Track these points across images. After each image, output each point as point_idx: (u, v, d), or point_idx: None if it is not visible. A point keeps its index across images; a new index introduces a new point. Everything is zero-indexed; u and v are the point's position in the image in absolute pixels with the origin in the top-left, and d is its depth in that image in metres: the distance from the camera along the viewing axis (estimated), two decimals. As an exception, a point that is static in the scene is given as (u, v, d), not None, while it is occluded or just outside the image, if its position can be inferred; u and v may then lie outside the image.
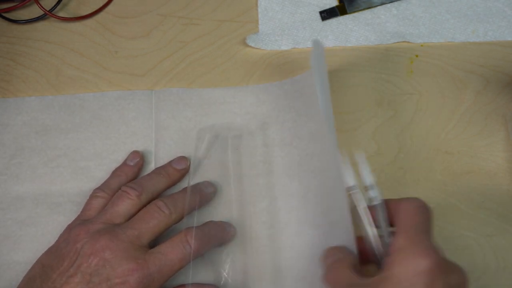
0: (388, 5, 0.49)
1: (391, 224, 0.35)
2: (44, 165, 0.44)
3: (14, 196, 0.43)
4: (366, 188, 0.36)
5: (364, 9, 0.49)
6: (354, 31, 0.48)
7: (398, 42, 0.47)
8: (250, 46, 0.48)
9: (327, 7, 0.49)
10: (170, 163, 0.43)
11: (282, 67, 0.47)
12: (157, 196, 0.41)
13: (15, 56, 0.49)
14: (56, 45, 0.49)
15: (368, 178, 0.36)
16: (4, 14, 0.50)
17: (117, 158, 0.44)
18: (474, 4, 0.48)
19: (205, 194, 0.41)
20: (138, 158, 0.43)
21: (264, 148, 0.44)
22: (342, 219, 0.36)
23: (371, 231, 0.35)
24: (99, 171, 0.43)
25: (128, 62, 0.48)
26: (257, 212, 0.42)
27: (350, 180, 0.36)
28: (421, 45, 0.47)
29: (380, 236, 0.35)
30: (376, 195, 0.36)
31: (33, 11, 0.50)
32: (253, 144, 0.44)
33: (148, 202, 0.40)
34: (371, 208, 0.35)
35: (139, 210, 0.39)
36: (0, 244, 0.41)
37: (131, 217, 0.39)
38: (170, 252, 0.36)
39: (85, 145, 0.44)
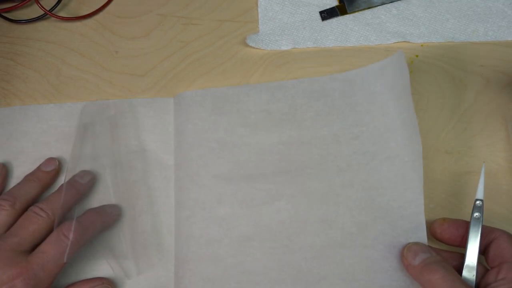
0: (388, 5, 0.49)
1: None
2: (65, 174, 0.44)
3: None
4: (477, 205, 0.37)
5: (364, 9, 0.49)
6: (354, 31, 0.48)
7: (398, 42, 0.47)
8: (250, 46, 0.48)
9: (327, 7, 0.49)
10: (39, 167, 0.43)
11: (282, 67, 0.47)
12: (33, 202, 0.41)
13: (15, 56, 0.49)
14: (56, 45, 0.49)
15: (480, 194, 0.37)
16: (4, 14, 0.50)
17: (136, 166, 0.44)
18: (474, 4, 0.48)
19: (81, 185, 0.42)
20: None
21: (280, 146, 0.43)
22: (382, 219, 0.40)
23: (475, 255, 0.36)
24: None
25: (128, 62, 0.48)
26: (274, 210, 0.42)
27: (480, 193, 0.37)
28: (421, 45, 0.47)
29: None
30: (480, 217, 0.37)
31: (33, 11, 0.50)
32: (268, 142, 0.44)
33: (24, 210, 0.40)
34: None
35: (17, 219, 0.39)
36: None
37: (9, 227, 0.39)
38: (50, 249, 0.37)
39: (105, 154, 0.44)
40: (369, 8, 0.49)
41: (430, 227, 0.39)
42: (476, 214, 0.37)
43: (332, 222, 0.41)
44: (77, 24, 0.50)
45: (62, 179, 0.43)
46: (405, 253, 0.38)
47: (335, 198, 0.41)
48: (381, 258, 0.39)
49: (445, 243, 0.39)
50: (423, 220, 0.39)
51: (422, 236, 0.39)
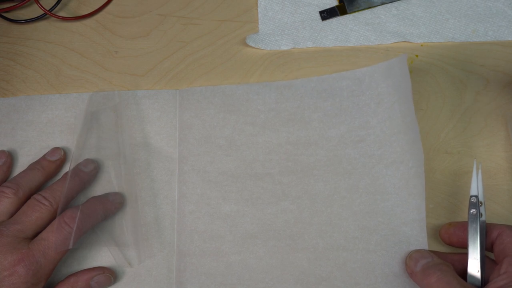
0: (388, 5, 0.49)
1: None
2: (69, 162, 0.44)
3: None
4: (472, 201, 0.37)
5: (364, 9, 0.49)
6: (354, 31, 0.48)
7: (398, 42, 0.47)
8: (250, 46, 0.48)
9: (327, 7, 0.49)
10: (44, 156, 0.43)
11: (282, 67, 0.47)
12: (36, 190, 0.41)
13: (15, 56, 0.49)
14: (56, 45, 0.49)
15: (480, 192, 0.37)
16: (4, 14, 0.50)
17: (140, 158, 0.44)
18: (474, 4, 0.48)
19: (85, 174, 0.42)
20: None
21: (288, 146, 0.44)
22: (385, 225, 0.39)
23: (476, 251, 0.36)
24: None
25: (128, 62, 0.48)
26: (279, 210, 0.42)
27: (474, 190, 0.38)
28: (421, 45, 0.47)
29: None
30: (476, 212, 0.37)
31: (33, 10, 0.50)
32: (276, 142, 0.44)
33: (28, 198, 0.40)
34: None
35: (20, 206, 0.40)
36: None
37: (12, 214, 0.39)
38: (51, 236, 0.37)
39: (110, 145, 0.44)
40: (369, 8, 0.49)
41: (438, 233, 0.40)
42: (472, 211, 0.37)
43: (336, 225, 0.41)
44: (77, 24, 0.50)
45: (66, 169, 0.43)
46: (408, 261, 0.38)
47: (339, 201, 0.41)
48: (383, 263, 0.39)
49: (455, 247, 0.39)
50: (425, 227, 0.39)
51: (423, 243, 0.39)
